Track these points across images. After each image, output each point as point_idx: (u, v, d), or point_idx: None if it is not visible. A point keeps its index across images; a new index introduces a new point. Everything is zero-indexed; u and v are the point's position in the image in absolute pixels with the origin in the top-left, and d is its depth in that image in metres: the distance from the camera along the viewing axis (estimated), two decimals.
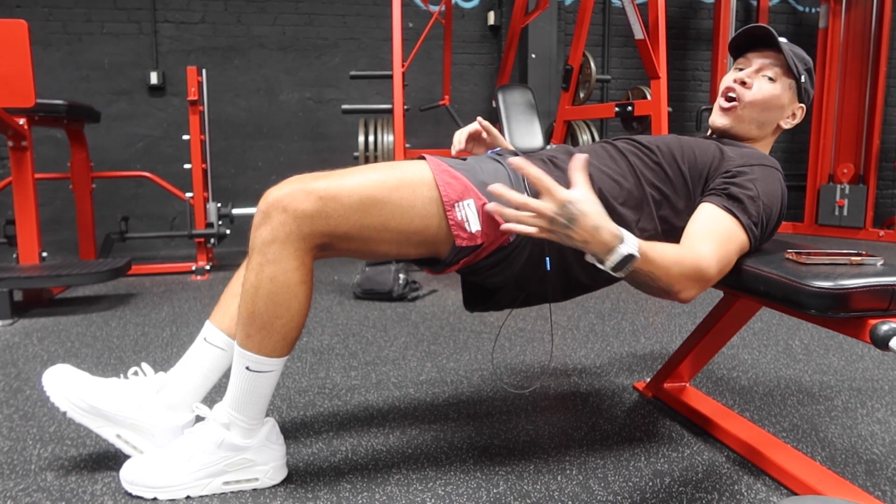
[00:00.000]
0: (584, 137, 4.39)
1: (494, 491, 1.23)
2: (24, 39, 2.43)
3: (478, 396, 1.73)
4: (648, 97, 3.86)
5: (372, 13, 4.82)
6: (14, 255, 3.01)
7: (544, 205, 0.93)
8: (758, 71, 1.34)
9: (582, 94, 4.31)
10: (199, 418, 1.31)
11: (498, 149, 1.41)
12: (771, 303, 1.17)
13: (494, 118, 4.15)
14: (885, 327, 1.00)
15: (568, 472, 1.31)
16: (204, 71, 3.65)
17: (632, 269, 0.99)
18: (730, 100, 1.36)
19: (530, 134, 3.95)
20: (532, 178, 0.95)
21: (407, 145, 3.70)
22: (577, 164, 0.97)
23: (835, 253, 1.16)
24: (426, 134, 4.96)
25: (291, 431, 1.49)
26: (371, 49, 4.86)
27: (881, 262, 1.13)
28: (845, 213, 5.01)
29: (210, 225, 3.59)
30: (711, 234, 1.15)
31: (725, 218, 1.17)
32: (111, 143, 4.50)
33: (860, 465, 1.35)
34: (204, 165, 3.58)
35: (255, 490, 1.23)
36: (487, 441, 1.45)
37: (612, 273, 1.00)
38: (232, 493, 1.22)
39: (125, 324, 2.50)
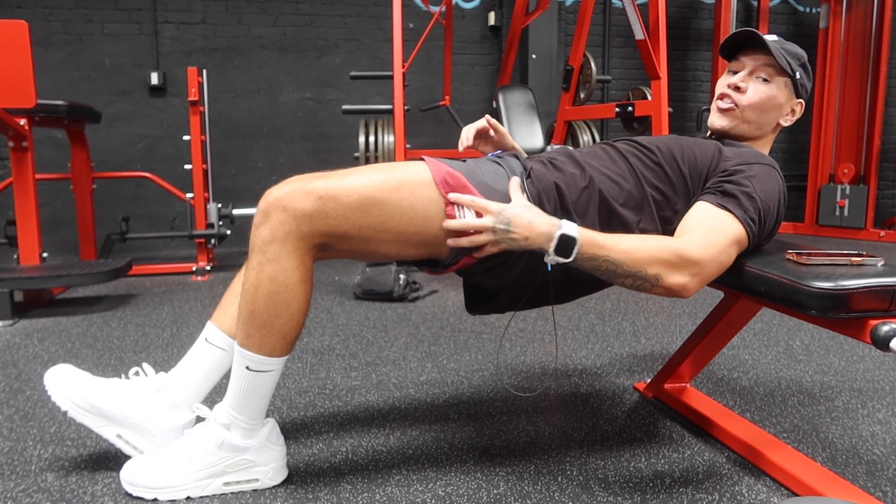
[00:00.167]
0: (585, 138, 4.39)
1: (495, 492, 1.23)
2: (25, 40, 2.43)
3: (478, 397, 1.73)
4: (649, 97, 3.86)
5: (372, 14, 4.82)
6: (15, 256, 3.01)
7: (483, 220, 1.10)
8: (751, 73, 1.34)
9: (582, 95, 4.31)
10: (199, 419, 1.31)
11: (499, 151, 1.41)
12: (771, 303, 1.17)
13: (495, 118, 4.14)
14: (885, 328, 1.00)
15: (568, 472, 1.31)
16: (204, 71, 3.65)
17: (582, 255, 1.06)
18: (727, 102, 1.36)
19: (531, 134, 3.95)
20: (467, 204, 1.11)
21: (407, 146, 3.70)
22: (511, 185, 1.15)
23: (835, 253, 1.16)
24: (427, 134, 4.96)
25: (292, 432, 1.49)
26: (371, 49, 4.86)
27: (882, 262, 1.13)
28: (846, 213, 5.01)
29: (210, 225, 3.59)
30: (698, 225, 1.15)
31: (718, 212, 1.17)
32: (112, 143, 4.51)
33: (861, 466, 1.34)
34: (204, 166, 3.58)
35: (255, 491, 1.23)
36: (488, 442, 1.45)
37: (560, 260, 1.07)
38: (232, 493, 1.22)
39: (126, 324, 2.50)
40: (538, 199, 1.20)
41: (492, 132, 1.41)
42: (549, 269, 1.18)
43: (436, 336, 2.32)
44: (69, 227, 4.07)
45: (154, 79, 4.51)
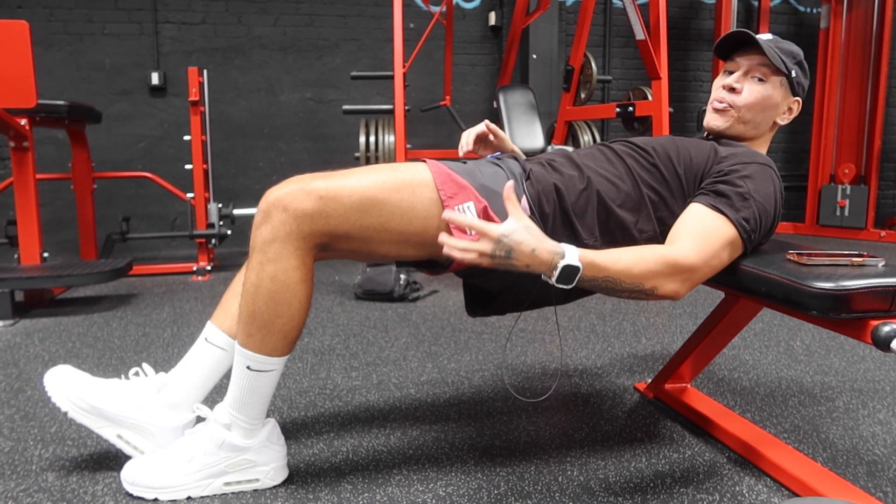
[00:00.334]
0: (585, 138, 4.39)
1: (496, 492, 1.23)
2: (26, 40, 2.43)
3: (479, 397, 1.73)
4: (649, 98, 3.86)
5: (373, 14, 4.82)
6: (15, 256, 3.01)
7: (482, 245, 1.03)
8: (746, 73, 1.33)
9: (583, 95, 4.31)
10: (200, 419, 1.31)
11: (498, 153, 1.42)
12: (772, 304, 1.17)
13: (495, 119, 4.15)
14: (886, 328, 1.00)
15: (569, 472, 1.31)
16: (205, 71, 3.65)
17: (582, 278, 1.05)
18: (722, 104, 1.36)
19: (531, 134, 3.95)
20: (465, 225, 1.05)
21: (408, 146, 3.70)
22: (506, 194, 1.06)
23: (836, 254, 1.16)
24: (427, 134, 4.97)
25: (292, 432, 1.49)
26: (372, 49, 4.86)
27: (883, 263, 1.13)
28: (846, 213, 5.00)
29: (211, 225, 3.59)
30: (691, 231, 1.15)
31: (710, 215, 1.17)
32: (112, 143, 4.51)
33: (861, 467, 1.34)
34: (205, 166, 3.59)
35: (255, 491, 1.23)
36: (488, 442, 1.45)
37: (562, 287, 1.05)
38: (233, 493, 1.22)
39: (126, 324, 2.50)
40: (538, 201, 1.20)
41: (491, 137, 1.42)
42: None
43: (436, 336, 2.32)
44: (70, 227, 4.08)
45: (154, 79, 4.51)
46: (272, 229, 1.10)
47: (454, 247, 1.04)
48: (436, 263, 1.23)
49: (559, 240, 1.19)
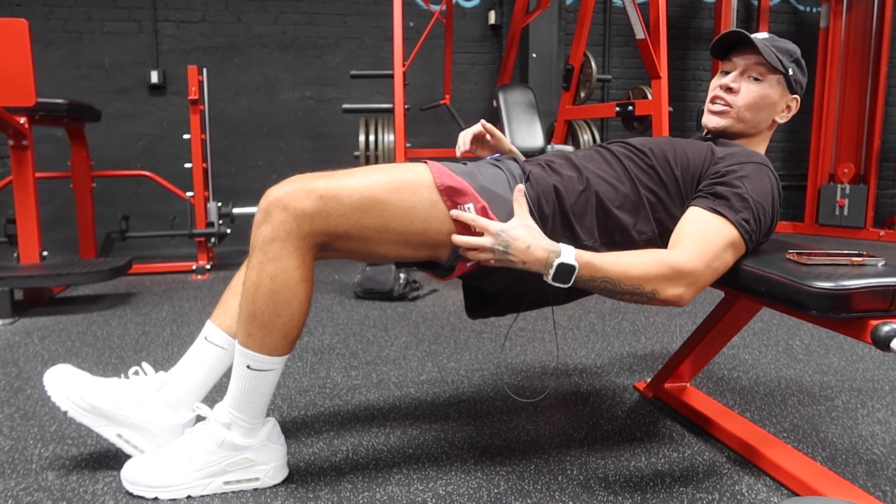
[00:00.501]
0: (585, 137, 4.39)
1: (495, 491, 1.23)
2: (25, 38, 2.43)
3: (479, 396, 1.73)
4: (649, 97, 3.86)
5: (372, 12, 4.82)
6: (14, 254, 3.01)
7: (484, 240, 1.10)
8: (742, 73, 1.33)
9: (583, 94, 4.31)
10: (199, 418, 1.31)
11: (497, 154, 1.42)
12: (772, 303, 1.17)
13: (495, 118, 4.15)
14: (886, 328, 1.00)
15: (569, 471, 1.31)
16: (204, 70, 3.65)
17: (579, 278, 1.07)
18: (719, 105, 1.35)
19: (531, 134, 3.95)
20: (469, 222, 1.12)
21: (408, 145, 3.70)
22: (515, 195, 1.14)
23: (836, 253, 1.16)
24: (427, 133, 4.96)
25: (292, 431, 1.49)
26: (372, 48, 4.86)
27: (882, 262, 1.13)
28: (846, 213, 5.01)
29: (210, 224, 3.59)
30: (690, 234, 1.15)
31: (710, 217, 1.17)
32: (111, 142, 4.50)
33: (861, 466, 1.35)
34: (204, 164, 3.58)
35: (255, 490, 1.23)
36: (488, 441, 1.45)
37: (559, 285, 1.07)
38: (233, 492, 1.22)
39: (126, 323, 2.50)
40: (537, 202, 1.20)
41: (488, 137, 1.42)
42: None
43: (436, 335, 2.32)
44: (69, 226, 4.07)
45: (154, 77, 4.51)
46: (272, 228, 1.10)
47: (463, 244, 1.11)
48: (436, 265, 1.23)
49: (558, 241, 1.19)
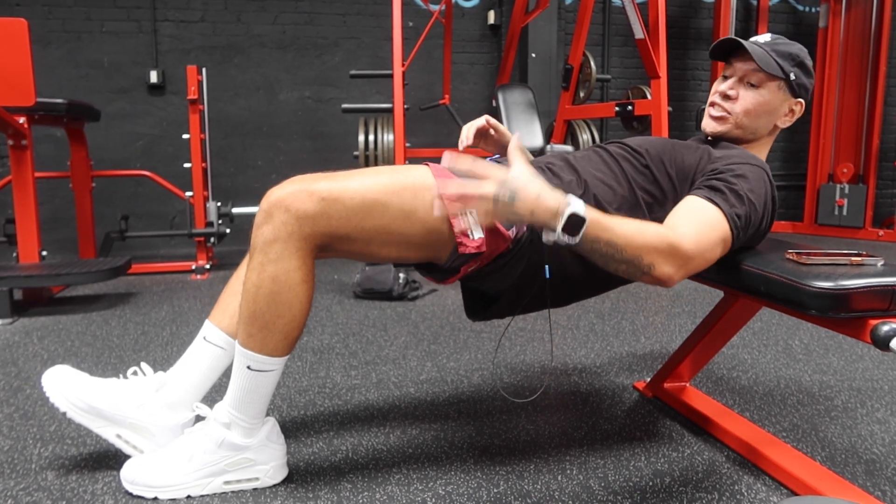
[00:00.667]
0: (585, 137, 4.39)
1: (495, 490, 1.23)
2: (24, 38, 2.43)
3: (478, 396, 1.73)
4: (648, 97, 3.86)
5: (372, 12, 4.82)
6: (14, 254, 3.00)
7: (486, 187, 0.96)
8: (741, 79, 1.32)
9: (582, 94, 4.31)
10: (199, 418, 1.31)
11: (497, 155, 1.42)
12: (771, 303, 1.17)
13: (494, 117, 4.14)
14: (885, 328, 1.00)
15: (568, 471, 1.31)
16: (204, 70, 3.65)
17: (586, 235, 0.99)
18: (718, 110, 1.35)
19: (530, 133, 3.95)
20: (465, 171, 0.99)
21: (407, 144, 3.70)
22: (513, 145, 1.04)
23: (835, 253, 1.16)
24: (426, 133, 4.96)
25: (292, 431, 1.49)
26: (371, 48, 4.86)
27: (881, 262, 1.13)
28: (845, 212, 5.01)
29: (210, 224, 3.59)
30: (689, 217, 1.14)
31: (707, 206, 1.15)
32: (111, 141, 4.50)
33: (860, 465, 1.35)
34: (204, 164, 3.58)
35: (255, 489, 1.23)
36: (488, 440, 1.45)
37: (567, 241, 0.98)
38: (232, 492, 1.22)
39: (125, 323, 2.50)
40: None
41: (491, 131, 1.42)
42: (548, 275, 1.18)
43: (435, 335, 2.32)
44: (68, 226, 4.07)
45: (153, 77, 4.51)
46: (274, 229, 1.10)
47: (452, 194, 0.98)
48: (437, 268, 1.23)
49: (559, 245, 1.19)
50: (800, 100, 1.34)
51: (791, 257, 1.17)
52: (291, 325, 1.14)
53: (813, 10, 5.64)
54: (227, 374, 1.23)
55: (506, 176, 0.97)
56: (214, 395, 1.51)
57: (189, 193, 3.60)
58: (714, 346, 1.58)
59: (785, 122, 1.36)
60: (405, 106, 3.52)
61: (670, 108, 3.80)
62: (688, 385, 1.68)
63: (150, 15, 4.52)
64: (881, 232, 4.88)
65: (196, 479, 1.20)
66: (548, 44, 4.81)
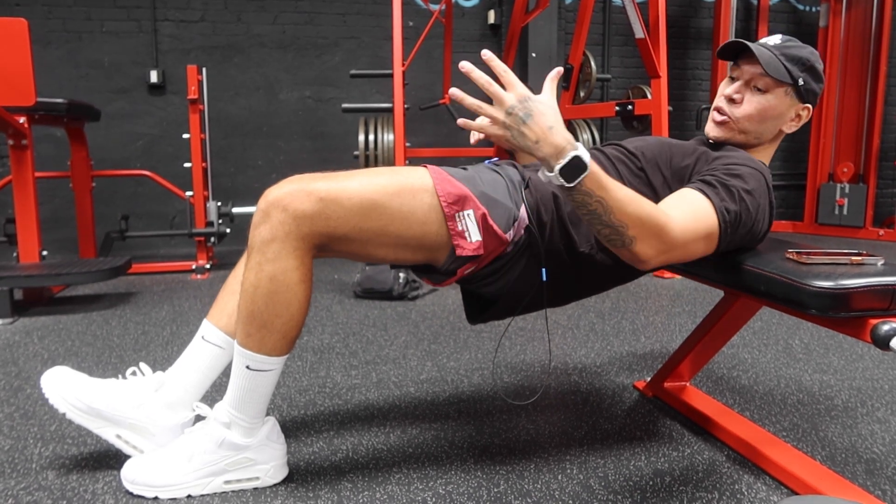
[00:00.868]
0: (585, 136, 4.39)
1: (495, 490, 1.23)
2: (25, 38, 2.43)
3: (478, 395, 1.73)
4: (649, 96, 3.86)
5: (372, 12, 4.82)
6: (14, 254, 3.01)
7: (506, 94, 0.96)
8: (747, 83, 1.29)
9: (582, 93, 4.31)
10: (199, 417, 1.31)
11: (496, 158, 1.41)
12: (771, 302, 1.17)
13: None
14: (885, 327, 1.00)
15: (568, 471, 1.31)
16: (204, 69, 3.65)
17: (581, 184, 0.96)
18: (722, 115, 1.33)
19: None
20: (499, 70, 0.96)
21: (407, 144, 3.70)
22: (551, 76, 1.00)
23: (835, 252, 1.16)
24: (426, 133, 4.96)
25: (292, 430, 1.49)
26: (371, 48, 4.86)
27: (882, 261, 1.13)
28: (845, 212, 5.01)
29: (210, 224, 3.59)
30: (680, 204, 1.13)
31: (697, 196, 1.14)
32: (111, 141, 4.50)
33: (860, 465, 1.35)
34: (204, 164, 3.58)
35: (255, 489, 1.23)
36: (488, 440, 1.45)
37: (563, 183, 0.96)
38: (233, 492, 1.22)
39: (125, 322, 2.50)
40: (536, 209, 1.20)
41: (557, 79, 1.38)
42: (545, 278, 1.18)
43: (436, 334, 2.32)
44: (69, 226, 4.07)
45: (153, 77, 4.51)
46: (271, 229, 1.10)
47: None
48: (434, 270, 1.23)
49: (556, 248, 1.19)
50: (807, 105, 1.31)
51: (791, 257, 1.17)
52: (290, 325, 1.14)
53: (813, 9, 5.64)
54: (226, 373, 1.23)
55: (531, 95, 0.96)
56: (214, 394, 1.51)
57: (189, 193, 3.60)
58: (714, 345, 1.58)
59: (791, 128, 1.33)
60: (405, 106, 3.53)
61: (670, 108, 3.80)
62: (688, 384, 1.68)
63: (151, 15, 4.52)
64: (881, 231, 4.88)
65: (196, 479, 1.20)
66: (548, 43, 4.81)
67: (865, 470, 1.33)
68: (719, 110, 1.33)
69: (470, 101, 0.97)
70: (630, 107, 3.76)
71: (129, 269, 2.92)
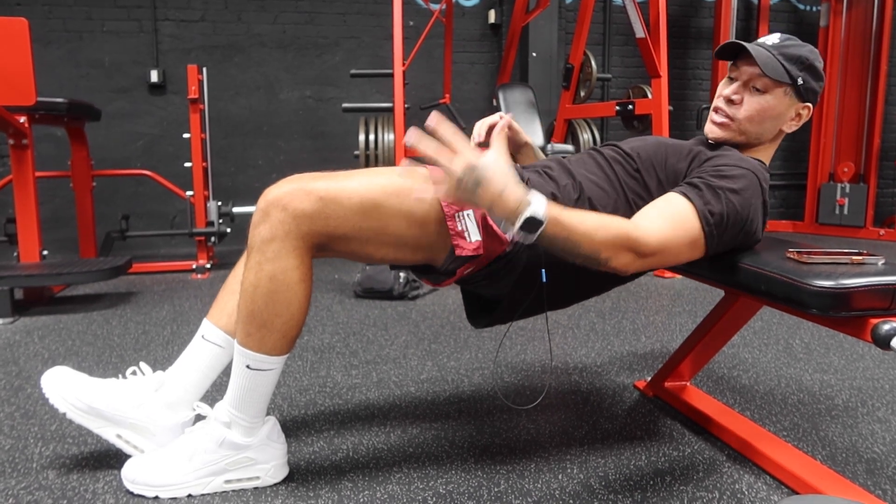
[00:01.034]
0: (585, 136, 4.39)
1: (496, 489, 1.23)
2: (25, 37, 2.43)
3: (479, 395, 1.73)
4: (649, 96, 3.86)
5: (372, 11, 4.82)
6: (15, 254, 3.01)
7: (454, 166, 0.94)
8: (746, 83, 1.29)
9: (583, 93, 4.31)
10: (199, 417, 1.31)
11: None
12: (772, 302, 1.17)
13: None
14: (886, 326, 1.00)
15: (569, 470, 1.31)
16: (204, 69, 3.65)
17: (544, 233, 0.98)
18: (721, 116, 1.32)
19: (531, 133, 3.95)
20: (445, 140, 0.95)
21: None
22: (499, 127, 1.02)
23: (836, 252, 1.16)
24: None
25: (292, 430, 1.49)
26: (372, 47, 4.86)
27: (882, 261, 1.13)
28: (846, 211, 5.01)
29: (210, 223, 3.59)
30: (659, 213, 1.14)
31: (680, 202, 1.15)
32: (112, 141, 4.50)
33: (861, 464, 1.35)
34: (204, 164, 3.58)
35: (256, 489, 1.23)
36: (488, 440, 1.45)
37: (524, 236, 0.98)
38: (233, 491, 1.22)
39: (126, 322, 2.50)
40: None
41: (506, 129, 1.41)
42: (545, 279, 1.18)
43: (436, 334, 2.32)
44: (69, 225, 4.07)
45: (154, 76, 4.51)
46: (271, 228, 1.10)
47: (421, 146, 0.95)
48: (433, 270, 1.23)
49: None
50: (808, 104, 1.30)
51: (792, 256, 1.17)
52: (290, 324, 1.14)
53: (814, 9, 5.64)
54: (227, 372, 1.23)
55: (476, 161, 0.94)
56: (215, 394, 1.51)
57: (190, 193, 3.60)
58: (715, 345, 1.58)
59: (791, 127, 1.32)
60: (406, 105, 3.53)
61: (671, 108, 3.80)
62: (688, 384, 1.68)
63: (151, 14, 4.53)
64: (882, 231, 4.88)
65: (197, 479, 1.20)
66: (548, 43, 4.81)
67: (866, 469, 1.33)
68: (718, 111, 1.33)
69: (424, 152, 0.95)
70: (630, 106, 3.76)
71: (129, 268, 2.92)
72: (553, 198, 1.22)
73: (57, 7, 4.38)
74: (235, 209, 3.72)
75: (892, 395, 1.73)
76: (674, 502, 1.19)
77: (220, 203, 3.66)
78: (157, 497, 1.19)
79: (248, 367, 1.15)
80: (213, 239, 3.60)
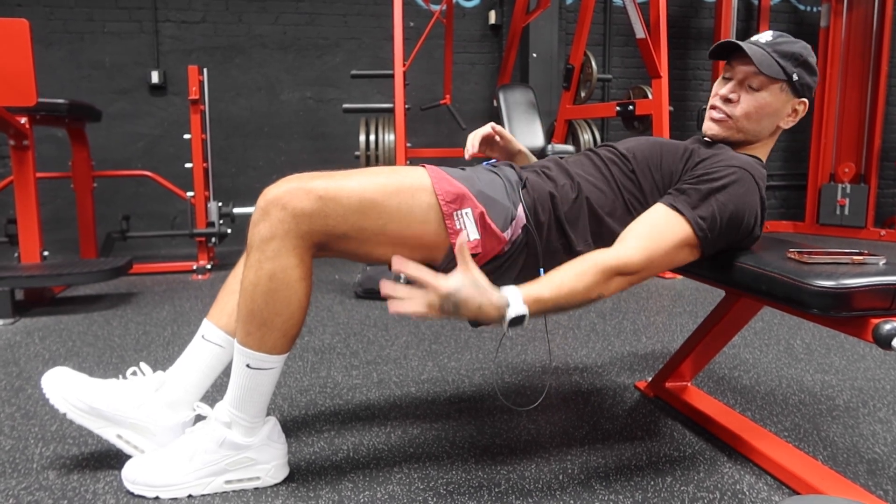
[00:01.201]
0: (585, 137, 4.39)
1: (496, 490, 1.23)
2: (26, 38, 2.43)
3: (479, 395, 1.73)
4: (650, 96, 3.86)
5: (373, 12, 4.82)
6: (15, 254, 3.01)
7: (430, 297, 1.03)
8: (741, 82, 1.29)
9: (583, 94, 4.31)
10: (199, 417, 1.31)
11: (493, 160, 1.42)
12: (773, 302, 1.17)
13: (496, 118, 4.15)
14: (887, 326, 1.00)
15: (570, 471, 1.31)
16: (205, 70, 3.65)
17: (532, 316, 1.06)
18: (719, 113, 1.33)
19: (531, 133, 3.95)
20: (413, 277, 1.04)
21: (408, 144, 3.70)
22: (457, 248, 1.07)
23: (837, 252, 1.16)
24: (427, 133, 4.96)
25: (293, 430, 1.49)
26: (372, 48, 4.86)
27: (883, 261, 1.13)
28: (846, 212, 5.01)
29: (211, 224, 3.59)
30: (640, 231, 1.18)
31: (666, 213, 1.17)
32: (112, 142, 4.51)
33: (862, 465, 1.35)
34: (205, 164, 3.59)
35: (256, 489, 1.23)
36: (489, 440, 1.45)
37: (516, 329, 1.07)
38: (234, 491, 1.22)
39: (126, 323, 2.50)
40: (533, 210, 1.21)
41: (497, 138, 1.42)
42: None
43: (436, 334, 2.32)
44: (70, 226, 4.08)
45: (155, 77, 4.51)
46: (270, 227, 1.10)
47: (401, 296, 1.04)
48: (432, 269, 1.23)
49: (554, 248, 1.20)
50: (803, 99, 1.31)
51: (792, 256, 1.17)
52: (290, 323, 1.14)
53: (814, 9, 5.64)
54: (227, 372, 1.23)
55: (448, 289, 1.02)
56: (215, 394, 1.51)
57: (190, 193, 3.61)
58: (715, 345, 1.58)
59: (788, 123, 1.34)
60: (406, 106, 3.53)
61: (671, 108, 3.80)
62: (689, 385, 1.68)
63: (152, 15, 4.53)
64: (883, 232, 4.88)
65: (197, 479, 1.20)
66: (549, 44, 4.81)
67: (867, 470, 1.32)
68: (716, 109, 1.34)
69: (412, 275, 1.04)
70: (631, 107, 3.76)
71: (130, 269, 2.92)
72: (551, 197, 1.23)
73: (58, 8, 4.39)
74: (236, 210, 3.73)
75: (894, 395, 1.73)
76: (675, 503, 1.19)
77: (220, 204, 3.66)
78: (157, 497, 1.19)
79: (248, 366, 1.15)
80: (213, 240, 3.60)
